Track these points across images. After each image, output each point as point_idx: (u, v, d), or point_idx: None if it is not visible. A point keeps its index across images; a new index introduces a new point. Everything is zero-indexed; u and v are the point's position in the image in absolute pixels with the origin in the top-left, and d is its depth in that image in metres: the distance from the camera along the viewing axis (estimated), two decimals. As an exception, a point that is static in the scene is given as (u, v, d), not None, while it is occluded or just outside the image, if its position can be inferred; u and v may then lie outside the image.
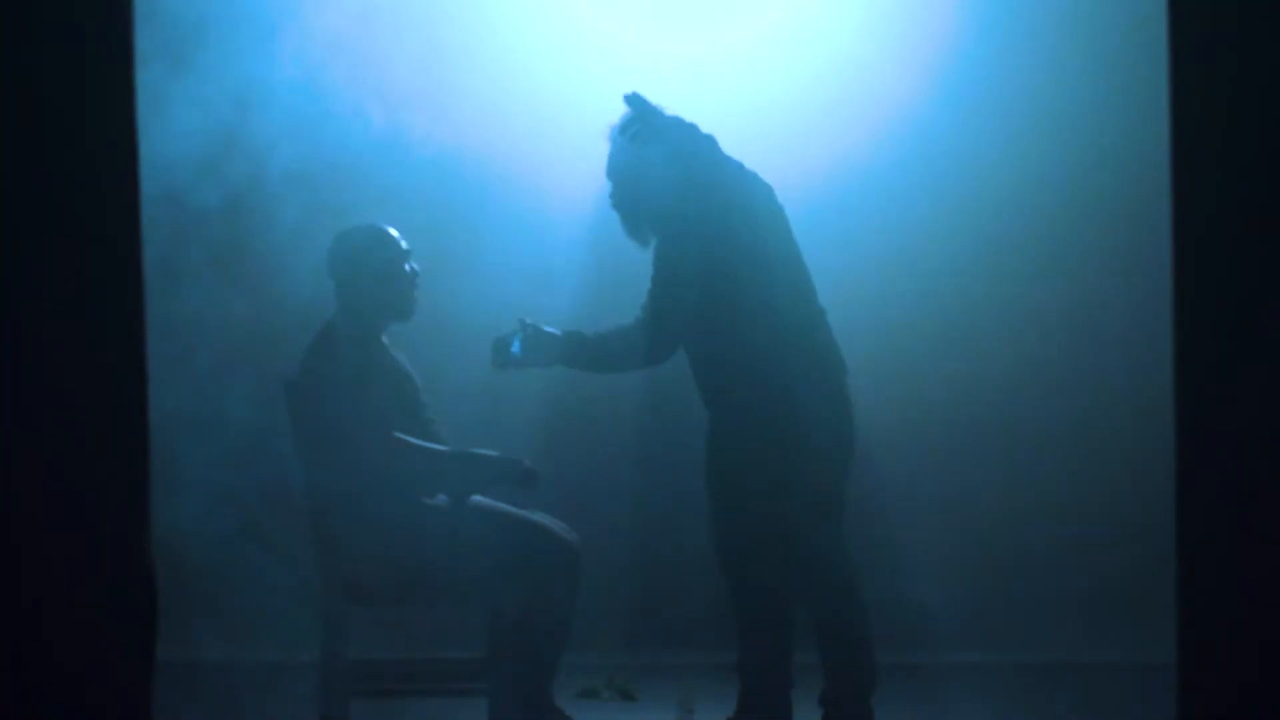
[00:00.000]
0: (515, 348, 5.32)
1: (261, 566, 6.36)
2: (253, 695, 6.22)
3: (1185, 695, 3.83)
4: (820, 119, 6.91)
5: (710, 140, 5.13)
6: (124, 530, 3.77)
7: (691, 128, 5.15)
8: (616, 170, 5.27)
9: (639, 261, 5.39)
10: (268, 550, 6.34)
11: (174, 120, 6.46)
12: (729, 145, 5.26)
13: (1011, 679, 6.68)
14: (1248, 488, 3.78)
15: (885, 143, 7.08)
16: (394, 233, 5.49)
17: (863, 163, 7.06)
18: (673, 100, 5.24)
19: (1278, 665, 3.77)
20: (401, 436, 5.30)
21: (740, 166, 5.19)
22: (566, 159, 6.67)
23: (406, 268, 5.46)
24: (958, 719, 6.16)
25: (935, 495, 7.13)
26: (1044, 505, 7.10)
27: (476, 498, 5.40)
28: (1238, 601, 3.78)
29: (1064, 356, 7.12)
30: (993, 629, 7.03)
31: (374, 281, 5.43)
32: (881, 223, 7.10)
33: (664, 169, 5.21)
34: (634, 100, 5.12)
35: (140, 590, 3.79)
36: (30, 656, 3.73)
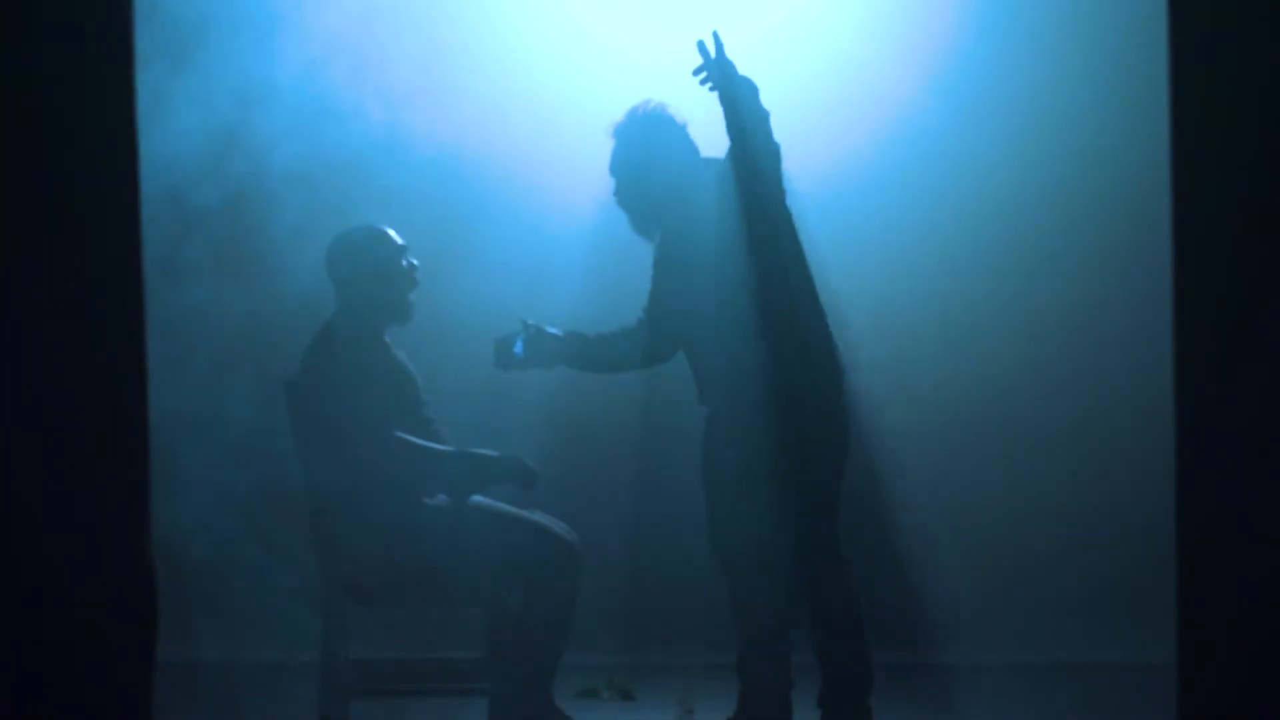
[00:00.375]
0: (518, 348, 5.33)
1: (262, 566, 6.36)
2: (253, 695, 6.22)
3: (1185, 695, 3.83)
4: (820, 119, 6.91)
5: (765, 114, 5.13)
6: (124, 530, 3.77)
7: (755, 90, 5.12)
8: (620, 167, 5.26)
9: (640, 261, 5.39)
10: (268, 550, 6.34)
11: (175, 119, 6.46)
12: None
13: (1011, 679, 6.68)
14: (1248, 488, 3.78)
15: (885, 143, 7.08)
16: (392, 233, 5.49)
17: (862, 162, 7.06)
18: (673, 100, 5.24)
19: (1278, 665, 3.77)
20: (402, 436, 5.31)
21: (777, 155, 5.16)
22: (567, 158, 6.67)
23: (404, 265, 5.47)
24: (958, 719, 6.16)
25: (935, 495, 7.12)
26: (1044, 505, 7.10)
27: (476, 498, 5.40)
28: (1238, 601, 3.78)
29: (1064, 356, 7.12)
30: (993, 629, 7.02)
31: (372, 281, 5.43)
32: (881, 222, 7.10)
33: (667, 165, 5.21)
34: (703, 49, 5.07)
35: (140, 590, 3.79)
36: (30, 656, 3.73)
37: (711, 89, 5.08)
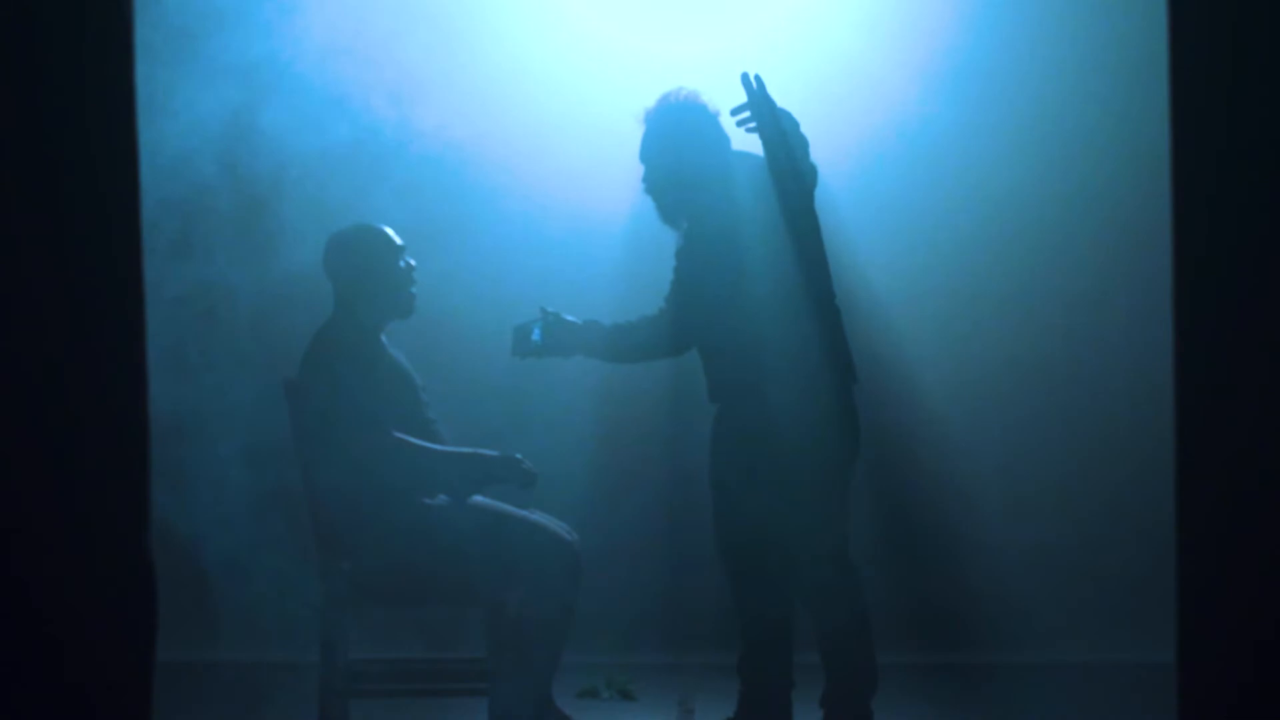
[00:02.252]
0: (536, 335, 5.32)
1: (263, 567, 6.36)
2: (254, 695, 6.22)
3: (1185, 695, 3.83)
4: (821, 120, 6.90)
5: (804, 142, 5.13)
6: (124, 530, 3.77)
7: (795, 123, 5.13)
8: (650, 154, 5.23)
9: (654, 256, 5.37)
10: (270, 550, 6.34)
11: (181, 114, 6.46)
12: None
13: (1011, 679, 6.68)
14: (1248, 488, 3.78)
15: (886, 143, 7.08)
16: (389, 231, 5.49)
17: (863, 162, 7.06)
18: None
19: (1278, 665, 3.77)
20: (401, 436, 5.31)
21: (815, 176, 5.17)
22: (576, 154, 6.67)
23: (401, 264, 5.47)
24: (957, 719, 6.16)
25: (934, 495, 7.12)
26: (1044, 505, 7.10)
27: (476, 498, 5.40)
28: (1238, 601, 3.78)
29: (1064, 356, 7.12)
30: (993, 629, 7.02)
31: (370, 281, 5.43)
32: (879, 223, 7.10)
33: (697, 155, 5.18)
34: (748, 83, 5.06)
35: (140, 590, 3.79)
36: (29, 657, 3.73)
37: (751, 130, 5.07)
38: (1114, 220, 7.05)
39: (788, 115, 5.09)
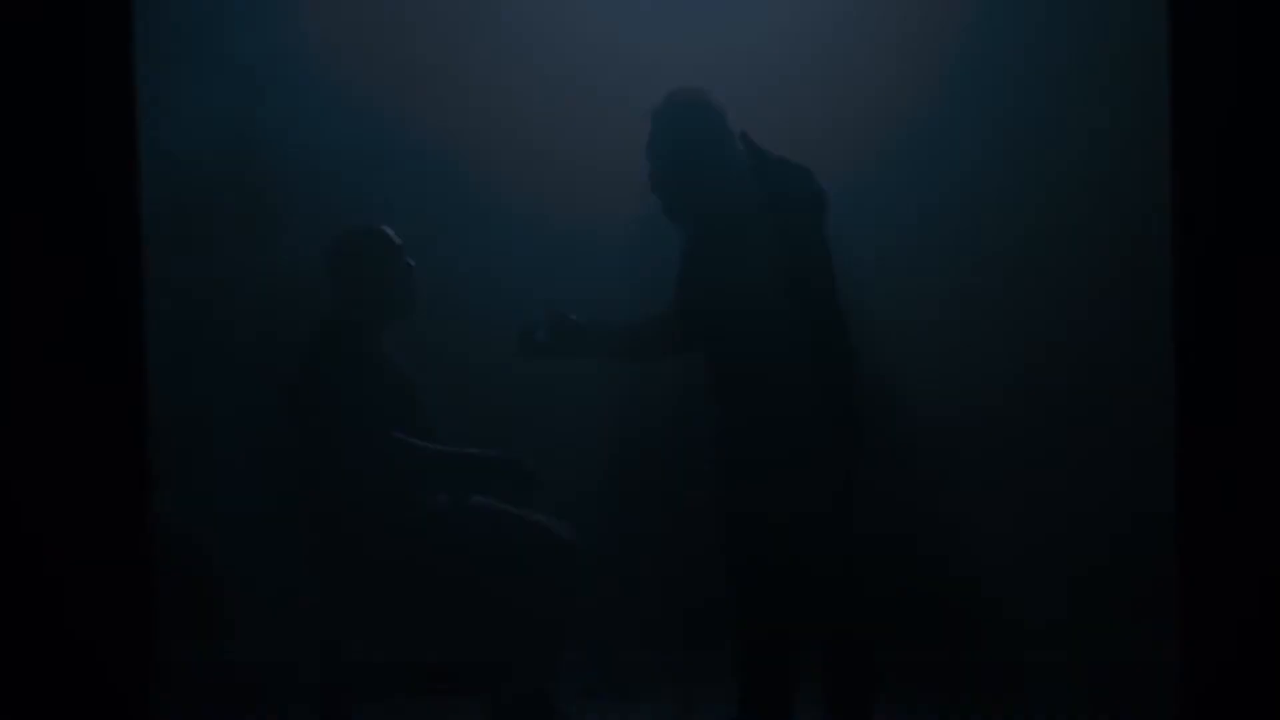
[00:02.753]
0: (540, 336, 5.28)
1: (263, 567, 6.36)
2: (254, 695, 6.22)
3: (1185, 695, 3.84)
4: (821, 120, 6.91)
5: (806, 172, 5.15)
6: (124, 530, 3.78)
7: (794, 166, 5.17)
8: (656, 152, 5.23)
9: (665, 252, 5.36)
10: (270, 550, 6.34)
11: (182, 113, 6.46)
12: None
13: (1011, 679, 6.68)
14: (1248, 487, 3.78)
15: (886, 143, 7.07)
16: (390, 232, 5.49)
17: (864, 163, 7.05)
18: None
19: (1278, 666, 3.77)
20: (400, 436, 5.30)
21: (807, 176, 5.19)
22: (584, 152, 6.66)
23: (402, 265, 5.47)
24: (956, 717, 6.16)
25: (933, 495, 7.12)
26: (1043, 504, 7.09)
27: (476, 497, 5.40)
28: (1238, 601, 3.78)
29: (1063, 355, 7.12)
30: (992, 628, 7.02)
31: (369, 281, 5.43)
32: (879, 223, 7.09)
33: (704, 152, 5.18)
34: (745, 142, 5.10)
35: (140, 590, 3.79)
36: (29, 656, 3.74)
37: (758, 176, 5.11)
38: (1114, 221, 7.03)
39: (784, 162, 5.11)
